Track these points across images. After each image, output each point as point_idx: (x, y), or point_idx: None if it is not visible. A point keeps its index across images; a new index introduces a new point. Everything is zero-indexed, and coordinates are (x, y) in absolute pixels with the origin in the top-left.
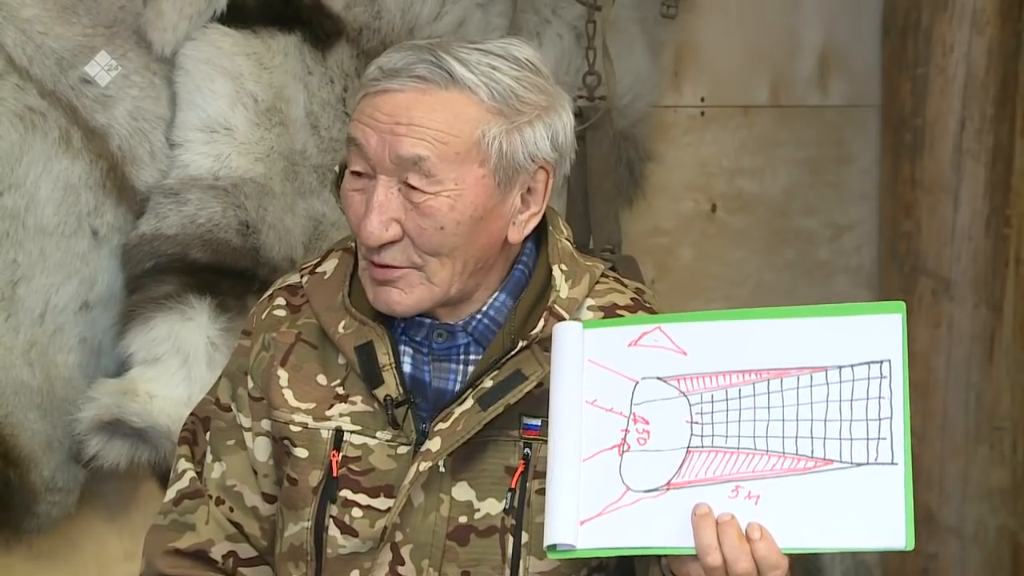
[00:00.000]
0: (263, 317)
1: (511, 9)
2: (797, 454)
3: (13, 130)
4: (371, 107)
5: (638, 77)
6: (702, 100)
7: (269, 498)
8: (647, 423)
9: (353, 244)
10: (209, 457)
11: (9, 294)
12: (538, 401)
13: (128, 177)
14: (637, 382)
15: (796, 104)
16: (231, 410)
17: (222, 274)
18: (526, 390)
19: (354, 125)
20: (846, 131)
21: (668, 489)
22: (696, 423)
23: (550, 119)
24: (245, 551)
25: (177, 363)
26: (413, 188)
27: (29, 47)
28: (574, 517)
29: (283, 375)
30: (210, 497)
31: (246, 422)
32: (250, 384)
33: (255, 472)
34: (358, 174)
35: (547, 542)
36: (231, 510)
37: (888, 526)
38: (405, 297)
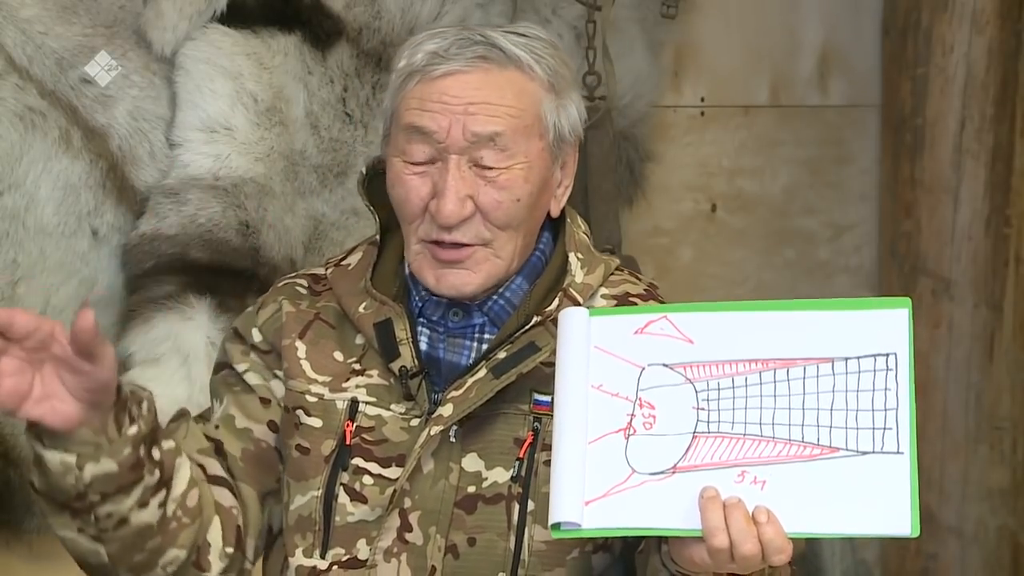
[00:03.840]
0: (280, 286)
1: (511, 9)
2: (803, 441)
3: (13, 130)
4: (436, 91)
5: (638, 77)
6: (702, 100)
7: (274, 426)
8: (653, 408)
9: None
10: (212, 403)
11: (9, 294)
12: (550, 378)
13: (128, 177)
14: (643, 368)
15: (796, 104)
16: (233, 366)
17: (222, 274)
18: (539, 359)
19: (414, 113)
20: (846, 131)
21: (674, 472)
22: (702, 409)
23: (575, 96)
24: (213, 467)
25: (177, 363)
26: (485, 165)
27: (29, 47)
28: (579, 497)
29: (301, 347)
30: (195, 420)
31: (255, 378)
32: (257, 338)
33: (266, 401)
34: (415, 161)
35: (552, 520)
36: (216, 427)
37: (893, 513)
38: (474, 276)
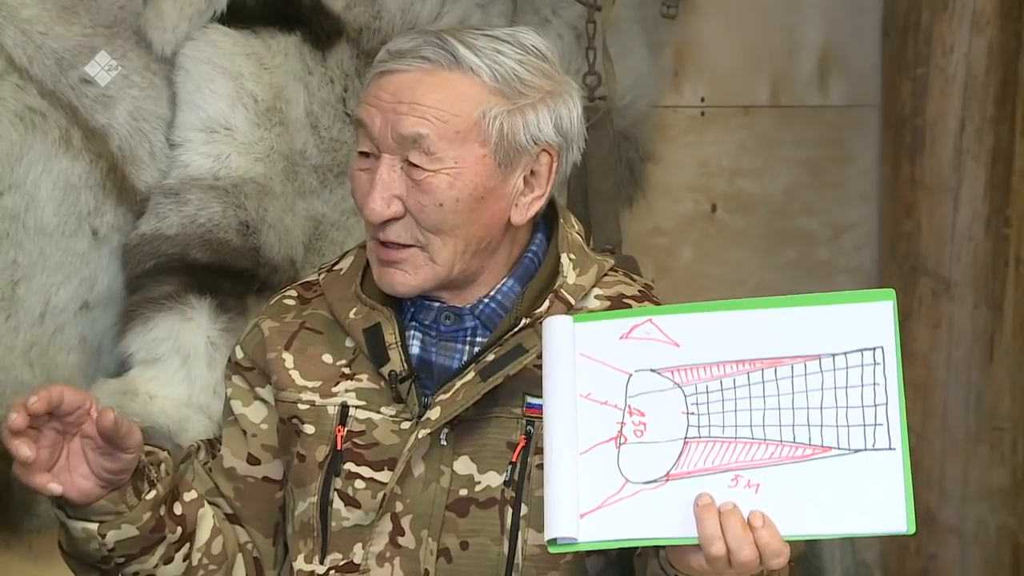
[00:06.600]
0: (271, 303)
1: (511, 9)
2: (795, 442)
3: (13, 130)
4: (377, 87)
5: (638, 77)
6: (702, 100)
7: (252, 459)
8: (643, 415)
9: None
10: None
11: (9, 294)
12: (542, 380)
13: (128, 177)
14: (630, 375)
15: (796, 104)
16: (227, 390)
17: (222, 274)
18: (525, 362)
19: (361, 107)
20: (846, 131)
21: (667, 480)
22: (692, 414)
23: (554, 104)
24: (224, 506)
25: (177, 363)
26: (414, 166)
27: (29, 47)
28: (574, 510)
29: (288, 357)
30: (206, 450)
31: (238, 406)
32: (239, 355)
33: (244, 433)
34: (364, 154)
35: (548, 536)
36: (210, 470)
37: (889, 510)
38: (409, 278)
